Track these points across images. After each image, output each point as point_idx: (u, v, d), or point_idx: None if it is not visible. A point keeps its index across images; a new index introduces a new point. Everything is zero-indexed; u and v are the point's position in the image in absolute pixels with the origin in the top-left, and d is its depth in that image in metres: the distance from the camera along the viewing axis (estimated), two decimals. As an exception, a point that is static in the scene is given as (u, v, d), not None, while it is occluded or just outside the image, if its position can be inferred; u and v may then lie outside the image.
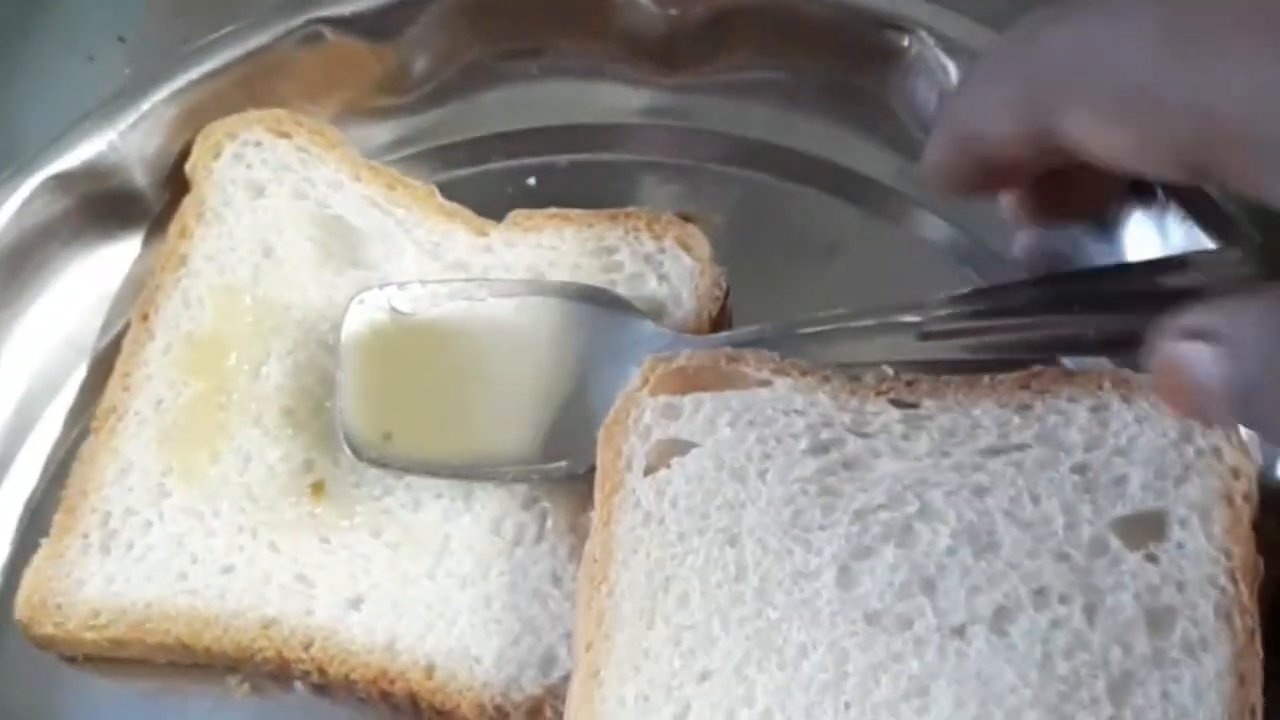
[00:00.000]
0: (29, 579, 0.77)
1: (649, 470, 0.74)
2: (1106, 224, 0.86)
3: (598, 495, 0.74)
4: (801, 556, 0.72)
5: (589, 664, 0.69)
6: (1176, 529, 0.72)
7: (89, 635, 0.76)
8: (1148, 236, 0.84)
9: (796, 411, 0.75)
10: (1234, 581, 0.71)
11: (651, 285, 0.83)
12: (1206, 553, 0.72)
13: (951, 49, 0.87)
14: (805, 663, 0.70)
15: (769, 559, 0.72)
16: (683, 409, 0.75)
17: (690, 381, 0.76)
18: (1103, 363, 0.85)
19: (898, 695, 0.69)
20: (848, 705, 0.69)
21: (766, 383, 0.76)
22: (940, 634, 0.70)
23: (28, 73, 0.99)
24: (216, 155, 0.86)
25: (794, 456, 0.74)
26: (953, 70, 0.87)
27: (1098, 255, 0.87)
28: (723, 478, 0.74)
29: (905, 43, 0.88)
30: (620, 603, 0.71)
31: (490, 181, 0.92)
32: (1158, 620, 0.70)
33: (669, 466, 0.74)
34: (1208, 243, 0.81)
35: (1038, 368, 0.78)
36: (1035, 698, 0.69)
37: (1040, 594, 0.71)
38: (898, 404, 0.76)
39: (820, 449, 0.75)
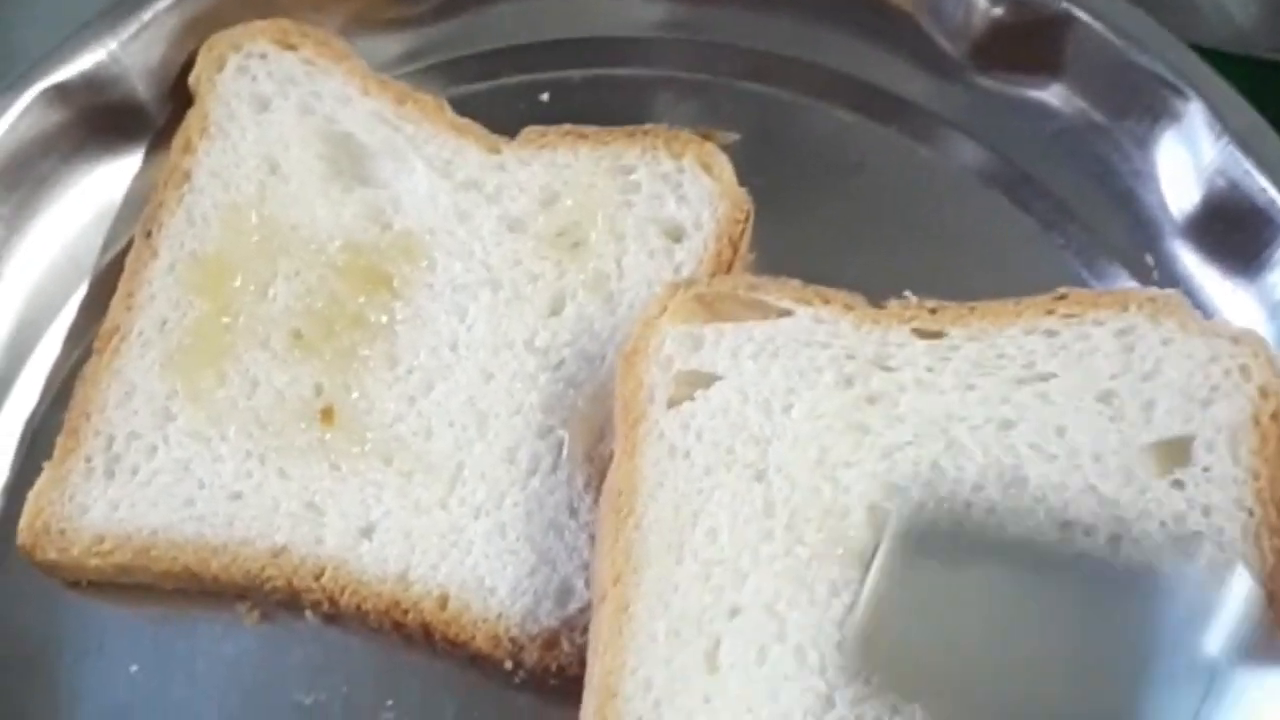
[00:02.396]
0: (31, 504, 0.76)
1: (672, 402, 0.72)
2: (1139, 140, 0.84)
3: (619, 426, 0.72)
4: (830, 494, 0.71)
5: (617, 598, 0.68)
6: (1203, 453, 0.71)
7: (93, 562, 0.74)
8: (1179, 153, 0.83)
9: (820, 344, 0.73)
10: (1261, 503, 0.70)
11: (670, 207, 0.81)
12: (1233, 475, 0.71)
13: (981, -40, 0.84)
14: (837, 600, 0.69)
15: (798, 495, 0.70)
16: (704, 339, 0.73)
17: (710, 309, 0.74)
18: (1127, 281, 0.84)
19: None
20: None
21: (788, 312, 0.74)
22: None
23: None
24: (220, 67, 0.83)
25: (819, 391, 0.72)
26: (980, -17, 0.84)
27: (1130, 175, 0.85)
28: (748, 411, 0.72)
29: (933, -47, 0.85)
30: (648, 536, 0.69)
31: (503, 97, 0.90)
32: (1184, 546, 0.69)
33: (692, 399, 0.72)
34: (1241, 158, 0.79)
35: (1063, 289, 0.76)
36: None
37: (1066, 527, 0.70)
38: (922, 334, 0.74)
39: (845, 383, 0.73)
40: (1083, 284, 0.84)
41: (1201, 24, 0.95)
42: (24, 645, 0.76)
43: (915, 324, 0.74)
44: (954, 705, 0.67)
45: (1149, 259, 0.85)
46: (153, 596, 0.77)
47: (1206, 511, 0.70)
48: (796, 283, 0.76)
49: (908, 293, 0.76)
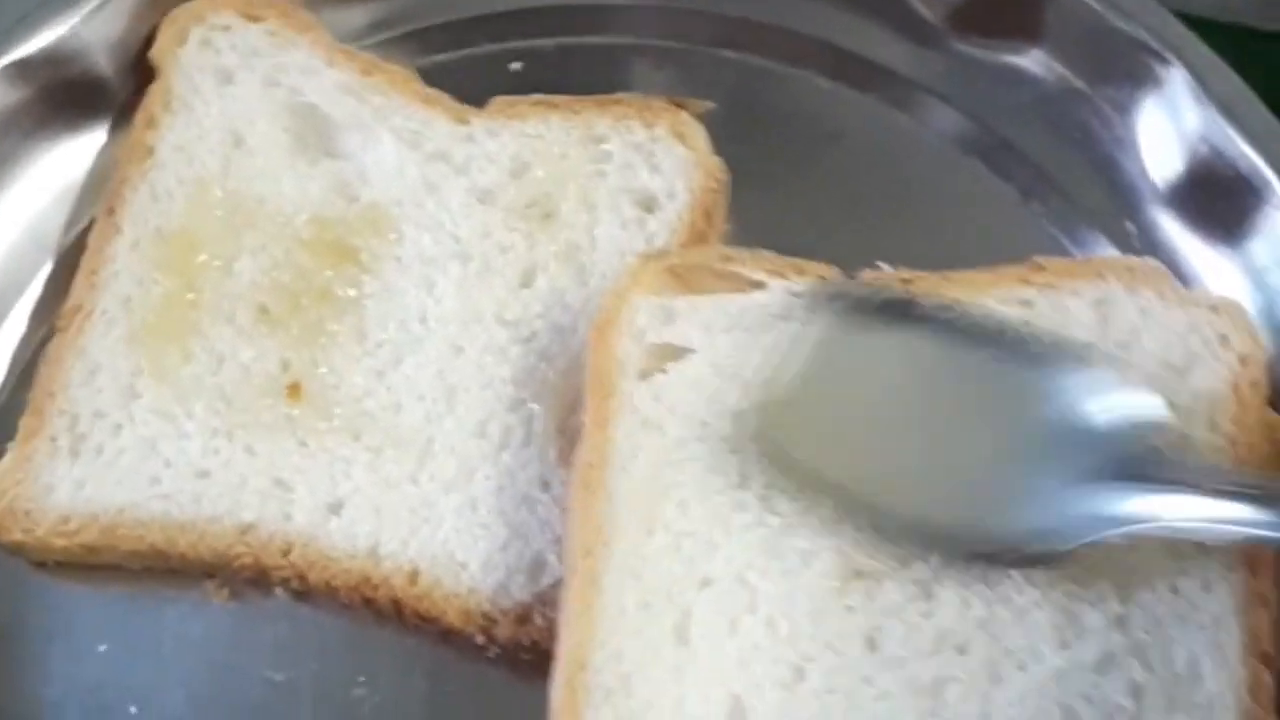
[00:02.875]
0: (-6, 484, 0.74)
1: (644, 374, 0.71)
2: (1119, 106, 0.83)
3: (590, 399, 0.71)
4: None
5: (587, 571, 0.67)
6: (1181, 423, 0.70)
7: (59, 542, 0.73)
8: (1160, 120, 0.82)
9: (794, 316, 0.72)
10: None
11: (643, 177, 0.80)
12: (1212, 444, 0.70)
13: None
14: (809, 570, 0.68)
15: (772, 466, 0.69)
16: (676, 311, 0.72)
17: (682, 281, 0.73)
18: (1107, 249, 0.83)
19: (904, 599, 0.67)
20: (851, 609, 0.67)
21: (762, 284, 0.73)
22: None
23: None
24: (183, 40, 0.82)
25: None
26: (964, -50, 0.83)
27: (1111, 142, 0.84)
28: (722, 384, 0.71)
29: (913, -83, 0.84)
30: (618, 509, 0.68)
31: (473, 67, 0.88)
32: None
33: (664, 371, 0.71)
34: (1224, 124, 0.78)
35: (1039, 258, 0.75)
36: (1042, 597, 0.67)
37: None
38: None
39: None
40: (1063, 252, 0.83)
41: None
42: (-10, 627, 0.75)
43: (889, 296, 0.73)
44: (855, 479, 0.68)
45: (1130, 227, 0.84)
46: (120, 576, 0.76)
47: None
48: (771, 254, 0.75)
49: (881, 263, 0.75)
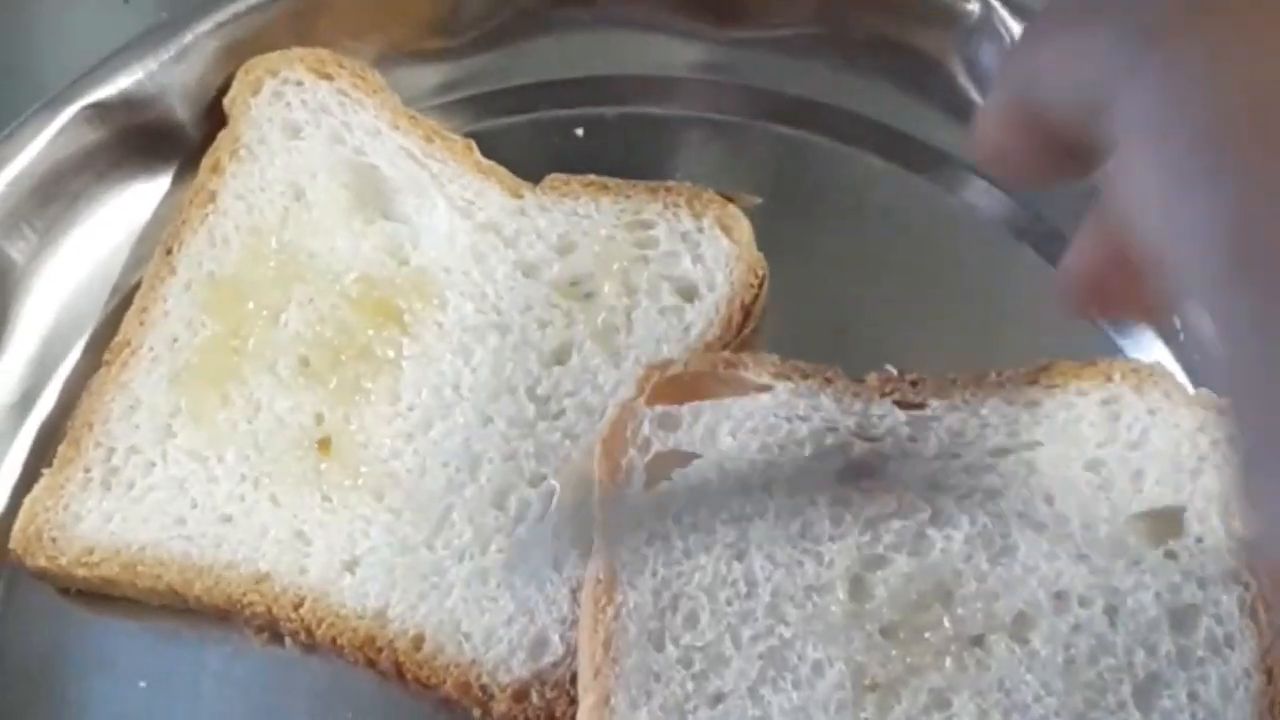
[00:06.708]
0: (26, 509, 0.76)
1: (649, 484, 0.71)
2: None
3: (598, 513, 0.71)
4: (812, 569, 0.69)
5: (599, 690, 0.67)
6: (1195, 524, 0.70)
7: (80, 572, 0.75)
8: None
9: (799, 417, 0.72)
10: (1256, 575, 0.68)
11: (685, 265, 0.80)
12: (1227, 547, 0.69)
13: (1019, 11, 0.83)
14: (821, 681, 0.67)
15: (779, 573, 0.69)
16: (681, 419, 0.73)
17: (687, 389, 0.73)
18: (1153, 343, 0.82)
19: (918, 709, 0.67)
20: None
21: (767, 388, 0.73)
22: (959, 644, 0.68)
23: (68, 4, 0.97)
24: (256, 91, 0.84)
25: (800, 465, 0.71)
26: (1020, 35, 0.83)
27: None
28: (726, 489, 0.71)
29: (970, 4, 0.85)
30: (627, 624, 0.68)
31: (537, 131, 0.90)
32: (1181, 619, 0.68)
33: (670, 479, 0.71)
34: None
35: (1045, 360, 0.74)
36: (1060, 705, 0.66)
37: (1060, 597, 0.69)
38: (903, 405, 0.73)
39: (826, 456, 0.71)
40: (1108, 342, 0.82)
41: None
42: (34, 658, 0.76)
43: (895, 396, 0.73)
44: None
45: (1176, 321, 0.81)
46: (166, 613, 0.77)
47: (1202, 584, 0.69)
48: (775, 358, 0.75)
49: (888, 366, 0.75)
